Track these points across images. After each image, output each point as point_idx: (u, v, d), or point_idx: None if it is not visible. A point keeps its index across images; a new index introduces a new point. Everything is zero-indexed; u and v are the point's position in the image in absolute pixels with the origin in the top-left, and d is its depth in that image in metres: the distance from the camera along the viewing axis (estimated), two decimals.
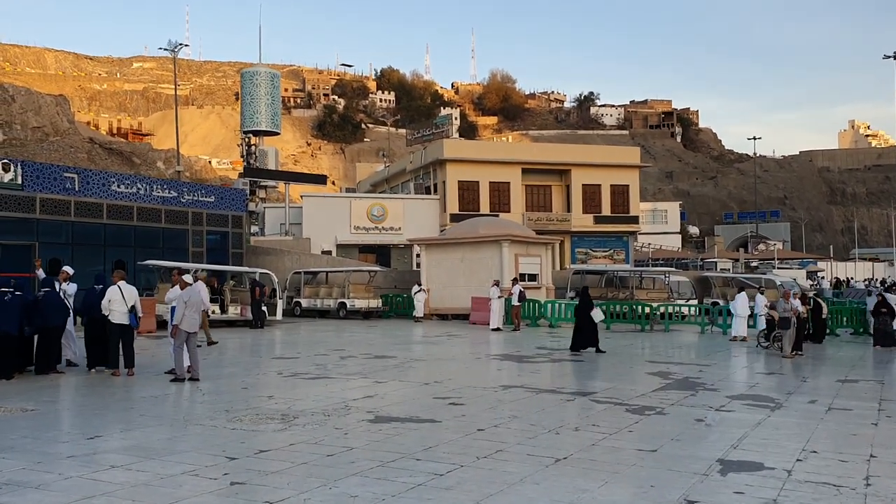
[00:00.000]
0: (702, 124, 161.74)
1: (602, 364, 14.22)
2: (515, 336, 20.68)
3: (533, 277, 27.47)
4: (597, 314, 16.06)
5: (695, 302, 27.87)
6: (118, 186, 24.68)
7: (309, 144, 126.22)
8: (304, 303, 28.38)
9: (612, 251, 43.12)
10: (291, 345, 17.46)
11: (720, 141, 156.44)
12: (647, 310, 23.38)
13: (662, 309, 24.02)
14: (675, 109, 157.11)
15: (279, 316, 24.21)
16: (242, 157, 43.60)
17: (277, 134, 46.83)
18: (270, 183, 43.15)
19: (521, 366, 13.63)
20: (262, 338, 19.45)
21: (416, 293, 26.16)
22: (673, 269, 34.93)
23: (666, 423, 8.46)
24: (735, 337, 19.81)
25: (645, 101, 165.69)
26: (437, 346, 17.51)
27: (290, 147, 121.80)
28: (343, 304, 27.29)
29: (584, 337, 15.77)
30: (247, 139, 43.42)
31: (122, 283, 12.01)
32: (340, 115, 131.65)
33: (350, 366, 13.47)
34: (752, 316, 21.07)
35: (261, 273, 23.65)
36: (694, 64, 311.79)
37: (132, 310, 11.98)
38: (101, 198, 24.11)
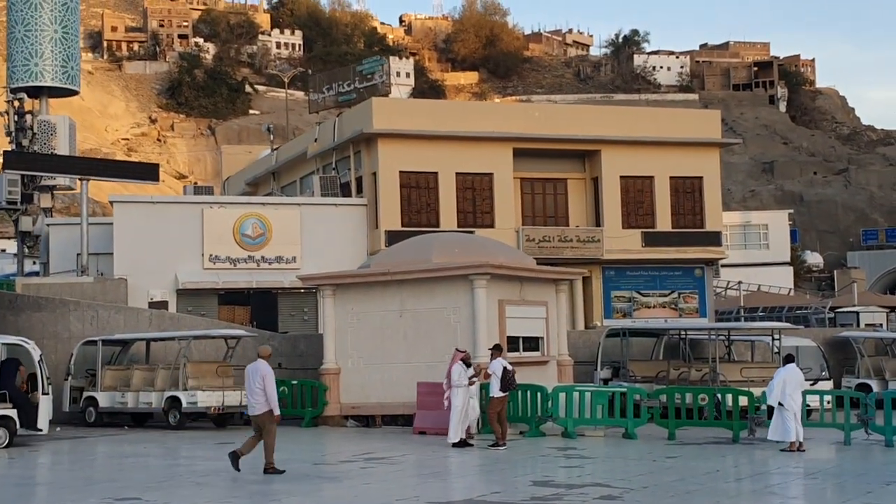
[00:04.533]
0: (821, 83, 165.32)
1: None
2: (496, 457, 20.36)
3: (533, 344, 27.30)
4: None
5: (828, 385, 28.42)
6: None
7: (154, 121, 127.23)
8: (104, 399, 27.73)
9: (675, 294, 42.30)
10: (45, 489, 16.64)
11: (852, 110, 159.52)
12: (743, 401, 23.40)
13: None
14: (776, 58, 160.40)
15: (43, 425, 22.52)
16: (9, 133, 42.13)
17: (75, 93, 46.62)
18: (62, 180, 42.02)
19: None
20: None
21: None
22: (785, 324, 35.08)
23: None
24: (791, 445, 19.93)
25: (725, 45, 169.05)
26: (337, 484, 16.74)
27: (122, 124, 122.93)
28: (176, 402, 26.61)
29: None
30: (17, 101, 41.78)
31: None
32: (209, 71, 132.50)
33: None
34: None
35: (4, 343, 22.18)
36: None
37: None
38: None
